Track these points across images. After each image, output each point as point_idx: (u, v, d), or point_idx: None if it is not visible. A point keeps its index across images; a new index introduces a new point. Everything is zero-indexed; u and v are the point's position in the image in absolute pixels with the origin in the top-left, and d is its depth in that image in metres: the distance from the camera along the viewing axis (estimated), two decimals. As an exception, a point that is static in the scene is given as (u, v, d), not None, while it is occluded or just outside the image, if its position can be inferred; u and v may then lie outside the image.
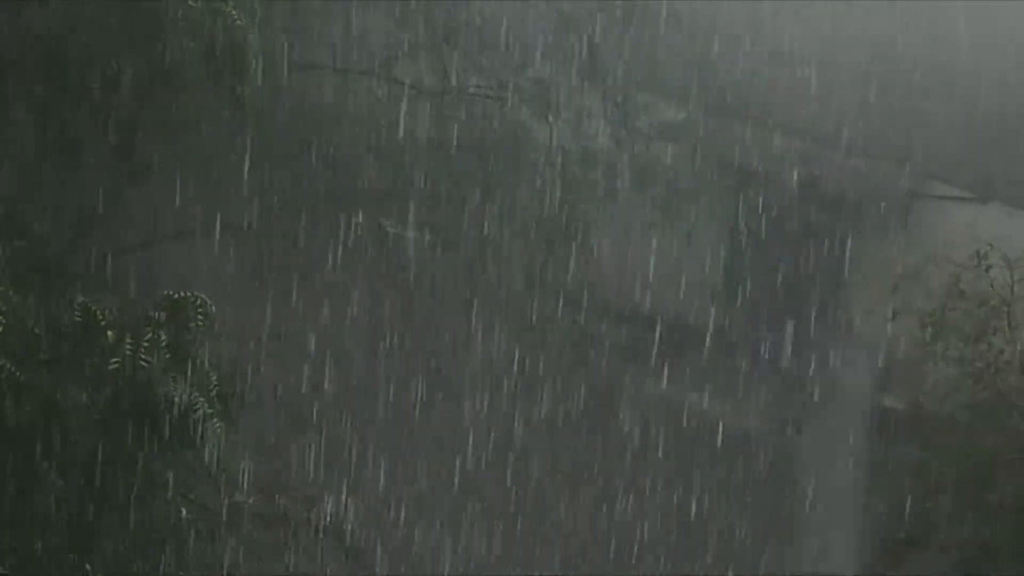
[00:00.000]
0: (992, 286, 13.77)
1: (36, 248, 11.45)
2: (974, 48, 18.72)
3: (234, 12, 11.17)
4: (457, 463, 17.04)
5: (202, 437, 10.12)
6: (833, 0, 19.31)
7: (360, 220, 17.25)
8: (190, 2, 10.74)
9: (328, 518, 12.60)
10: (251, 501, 11.69)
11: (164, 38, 10.60)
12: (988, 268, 13.89)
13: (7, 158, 13.38)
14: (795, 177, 19.35)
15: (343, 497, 14.35)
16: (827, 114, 19.27)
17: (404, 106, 17.35)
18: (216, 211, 17.10)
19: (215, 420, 10.08)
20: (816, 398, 18.98)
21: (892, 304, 14.73)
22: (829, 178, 19.25)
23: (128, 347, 9.74)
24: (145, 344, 9.78)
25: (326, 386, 16.46)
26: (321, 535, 12.41)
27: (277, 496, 12.35)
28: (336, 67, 16.80)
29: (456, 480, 16.99)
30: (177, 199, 16.26)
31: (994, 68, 18.43)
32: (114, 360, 9.72)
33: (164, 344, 9.86)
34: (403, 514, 16.12)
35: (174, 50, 10.64)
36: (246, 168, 16.68)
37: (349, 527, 12.98)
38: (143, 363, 9.75)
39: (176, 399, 9.85)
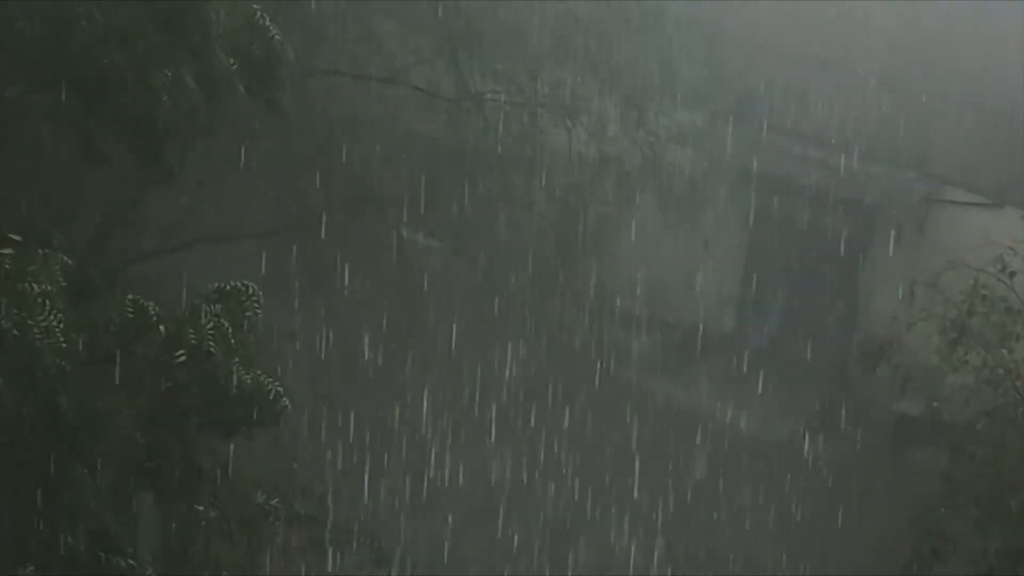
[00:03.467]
0: (1015, 291, 13.69)
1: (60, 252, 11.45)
2: (989, 54, 18.72)
3: (270, 26, 11.26)
4: (477, 469, 17.06)
5: (275, 416, 10.18)
6: (850, 5, 19.33)
7: (378, 226, 17.28)
8: (227, 17, 10.84)
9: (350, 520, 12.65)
10: (274, 503, 11.74)
11: (207, 53, 10.70)
12: (1012, 274, 13.83)
13: (35, 164, 13.46)
14: (811, 183, 19.36)
15: (363, 499, 14.38)
16: (843, 120, 19.29)
17: (422, 112, 17.37)
18: (233, 217, 17.15)
19: (284, 400, 10.16)
20: (835, 405, 18.97)
21: (911, 310, 14.68)
22: (845, 184, 19.25)
23: (192, 337, 9.77)
24: (210, 332, 9.83)
25: (343, 390, 16.47)
26: (341, 536, 12.47)
27: (298, 498, 12.41)
28: (354, 73, 16.81)
29: (476, 486, 17.00)
30: (197, 205, 16.30)
31: (1009, 73, 18.42)
32: (180, 352, 9.77)
33: (229, 332, 9.92)
34: (419, 516, 16.14)
35: (216, 63, 10.74)
36: (265, 174, 16.74)
37: (370, 529, 13.01)
38: (211, 351, 9.79)
39: (249, 381, 9.91)
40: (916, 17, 19.17)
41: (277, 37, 11.45)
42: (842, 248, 19.31)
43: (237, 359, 10.10)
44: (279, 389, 10.24)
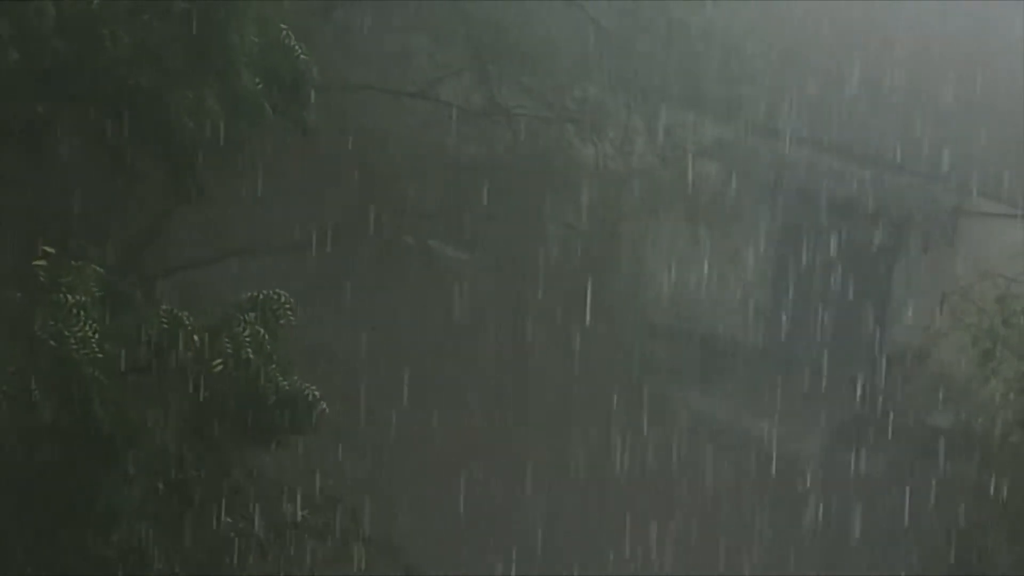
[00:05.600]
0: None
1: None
2: (1019, 63, 18.66)
3: (297, 46, 11.33)
4: (505, 480, 17.05)
5: (313, 421, 10.22)
6: (877, 17, 19.30)
7: (407, 240, 17.33)
8: (253, 38, 10.92)
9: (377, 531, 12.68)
10: (304, 514, 11.77)
11: (231, 74, 10.79)
12: (1049, 284, 13.75)
13: (67, 179, 13.57)
14: (840, 194, 19.32)
15: (395, 513, 14.39)
16: (872, 132, 19.25)
17: (450, 127, 17.43)
18: (263, 231, 17.23)
19: (322, 404, 10.20)
20: (864, 417, 18.90)
21: (941, 321, 14.63)
22: (874, 195, 19.21)
23: (228, 346, 9.83)
24: (247, 339, 9.89)
25: (371, 403, 16.49)
26: (372, 548, 12.49)
27: (328, 510, 12.45)
28: (384, 88, 16.88)
29: (504, 499, 16.99)
30: (226, 219, 16.38)
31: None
32: (217, 361, 9.82)
33: (265, 339, 9.98)
34: (446, 529, 16.14)
35: (241, 84, 10.84)
36: (294, 188, 16.81)
37: (401, 543, 13.03)
38: (249, 358, 9.85)
39: (287, 387, 9.96)
40: (944, 27, 19.14)
41: (303, 56, 11.52)
42: (872, 260, 19.26)
43: (274, 365, 10.15)
44: (316, 394, 10.29)
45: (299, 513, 11.95)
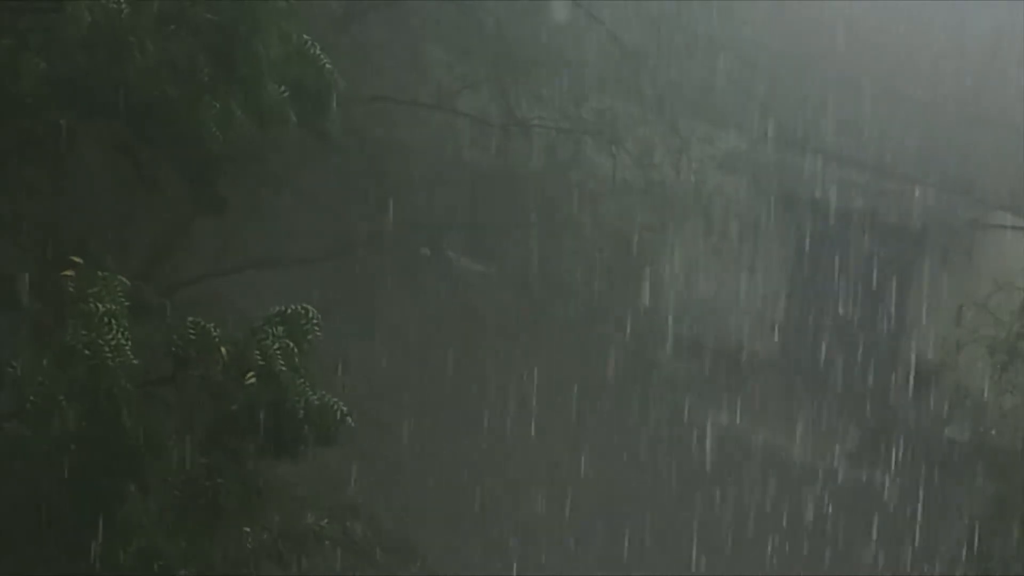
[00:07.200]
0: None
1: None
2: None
3: (322, 55, 11.39)
4: (520, 495, 17.08)
5: (341, 435, 10.29)
6: (895, 29, 19.32)
7: (425, 251, 17.40)
8: (278, 46, 10.96)
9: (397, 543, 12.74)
10: (324, 524, 11.84)
11: (257, 84, 10.85)
12: (1065, 296, 13.76)
13: (87, 190, 13.64)
14: (857, 207, 19.34)
15: (414, 522, 14.43)
16: (889, 144, 19.26)
17: (468, 138, 17.49)
18: (280, 242, 17.29)
19: (349, 419, 10.28)
20: (881, 430, 18.88)
21: (958, 334, 14.64)
22: (891, 208, 19.22)
23: (259, 359, 9.91)
24: (278, 352, 9.98)
25: (388, 413, 16.54)
26: (391, 555, 12.56)
27: (346, 518, 12.51)
28: (401, 100, 16.95)
29: (517, 512, 17.02)
30: (244, 231, 16.44)
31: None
32: (250, 374, 9.90)
33: (294, 352, 10.06)
34: (469, 539, 16.19)
35: (266, 94, 10.89)
36: (312, 200, 16.88)
37: (420, 551, 13.07)
38: (282, 370, 9.94)
39: (316, 402, 10.04)
40: (961, 40, 19.15)
41: (328, 66, 11.56)
42: (888, 272, 19.25)
43: (302, 380, 10.21)
44: (344, 408, 10.36)
45: (319, 522, 12.02)
